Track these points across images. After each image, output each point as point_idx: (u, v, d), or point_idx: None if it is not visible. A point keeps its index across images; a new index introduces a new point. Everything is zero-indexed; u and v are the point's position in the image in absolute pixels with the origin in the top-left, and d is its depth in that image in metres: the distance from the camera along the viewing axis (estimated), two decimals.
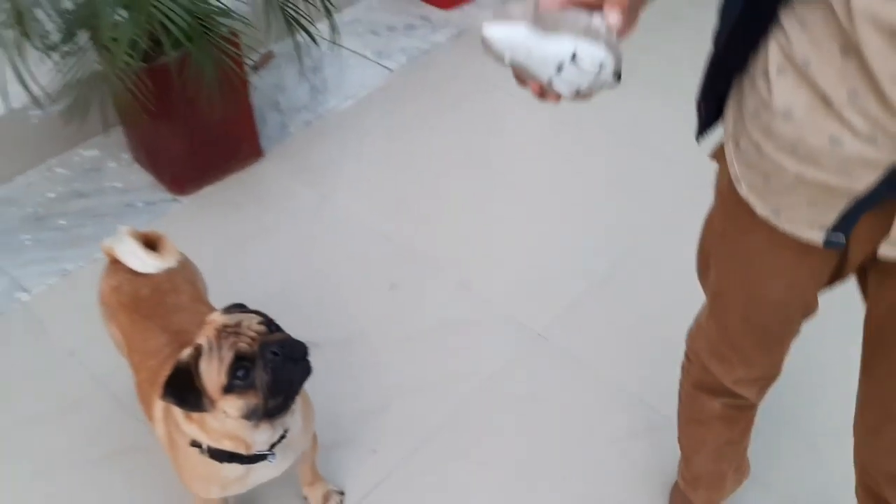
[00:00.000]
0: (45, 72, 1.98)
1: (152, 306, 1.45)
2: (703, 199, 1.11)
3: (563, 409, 1.84)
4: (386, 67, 2.87)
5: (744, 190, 0.90)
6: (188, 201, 2.40)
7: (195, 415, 1.24)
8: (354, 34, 3.03)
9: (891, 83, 0.65)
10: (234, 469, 1.31)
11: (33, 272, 2.19)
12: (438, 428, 1.80)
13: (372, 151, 2.55)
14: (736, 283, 1.06)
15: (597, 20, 0.61)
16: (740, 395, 1.23)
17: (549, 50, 0.59)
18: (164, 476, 1.57)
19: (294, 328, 1.98)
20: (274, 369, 1.17)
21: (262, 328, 1.21)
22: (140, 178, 2.48)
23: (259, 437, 1.27)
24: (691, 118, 0.98)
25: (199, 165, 2.39)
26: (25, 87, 1.85)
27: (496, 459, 1.74)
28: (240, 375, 1.16)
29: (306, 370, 1.23)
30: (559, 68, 0.60)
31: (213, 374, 1.16)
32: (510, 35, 0.59)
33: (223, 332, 1.18)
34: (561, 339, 1.97)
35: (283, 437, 1.32)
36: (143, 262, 1.48)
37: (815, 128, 0.74)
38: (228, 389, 1.16)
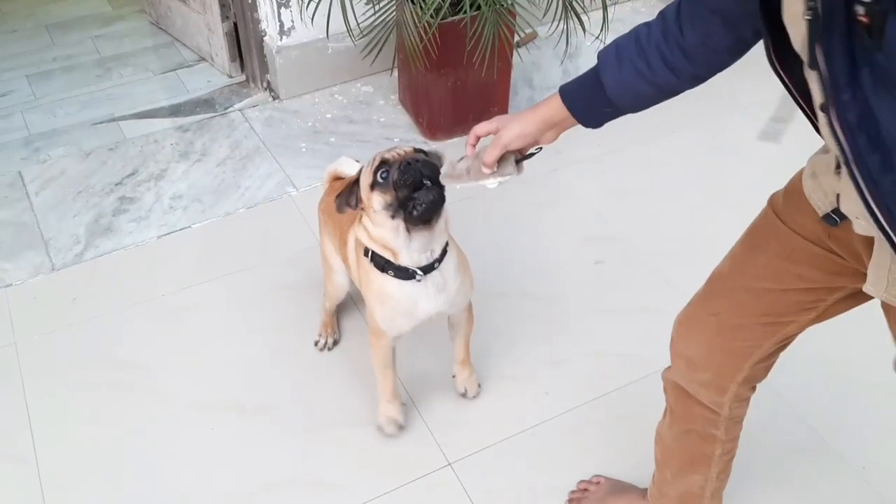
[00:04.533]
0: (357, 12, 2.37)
1: None
2: None
3: None
4: None
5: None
6: (436, 146, 2.72)
7: (359, 219, 1.59)
8: (615, 31, 3.18)
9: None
10: (399, 289, 1.60)
11: (303, 174, 2.62)
12: (610, 393, 1.96)
13: (609, 140, 2.71)
14: (745, 248, 1.24)
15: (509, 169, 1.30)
16: (707, 406, 1.33)
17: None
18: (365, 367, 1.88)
19: (504, 275, 2.24)
20: (402, 169, 1.48)
21: (411, 150, 1.53)
22: (401, 119, 2.84)
23: (404, 246, 1.54)
24: None
25: (454, 118, 2.70)
26: (346, 21, 2.23)
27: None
28: (381, 175, 1.50)
29: (434, 182, 1.47)
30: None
31: (366, 178, 1.53)
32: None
33: (380, 153, 1.54)
34: None
35: (432, 266, 1.59)
36: (354, 170, 1.86)
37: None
38: (373, 186, 1.50)
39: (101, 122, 2.87)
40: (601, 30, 2.47)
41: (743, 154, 2.70)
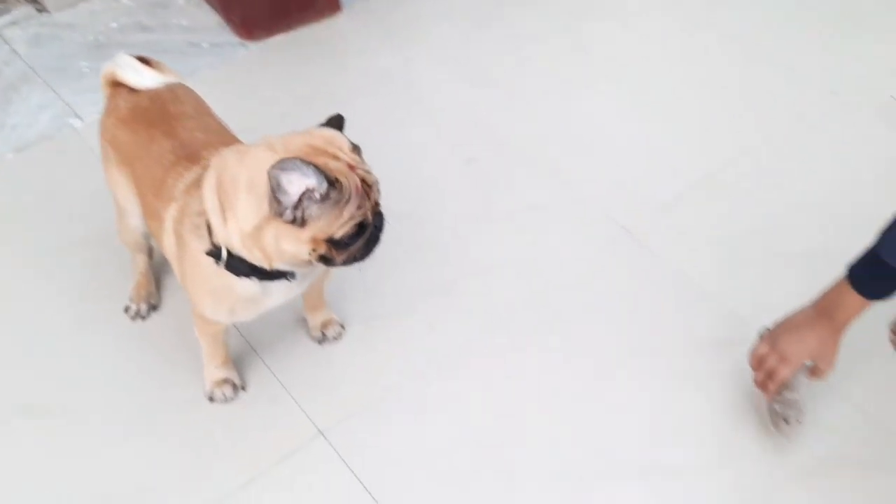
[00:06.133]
0: None
1: (154, 114, 1.36)
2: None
3: (643, 309, 1.64)
4: None
5: None
6: (256, 48, 2.22)
7: (220, 212, 1.11)
8: None
9: None
10: (249, 287, 1.20)
11: (88, 100, 2.05)
12: (505, 313, 1.63)
13: (463, 16, 2.32)
14: None
15: None
16: None
17: None
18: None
19: None
20: (369, 241, 1.16)
21: (379, 195, 1.17)
22: (208, 18, 2.30)
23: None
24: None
25: (273, 10, 2.19)
26: None
27: (564, 354, 1.57)
28: (348, 238, 1.12)
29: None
30: None
31: (332, 220, 1.09)
32: None
33: (365, 185, 1.12)
34: (650, 238, 1.76)
35: None
36: (141, 75, 1.39)
37: None
38: (334, 243, 1.12)
39: None
40: None
41: (618, 18, 2.37)
